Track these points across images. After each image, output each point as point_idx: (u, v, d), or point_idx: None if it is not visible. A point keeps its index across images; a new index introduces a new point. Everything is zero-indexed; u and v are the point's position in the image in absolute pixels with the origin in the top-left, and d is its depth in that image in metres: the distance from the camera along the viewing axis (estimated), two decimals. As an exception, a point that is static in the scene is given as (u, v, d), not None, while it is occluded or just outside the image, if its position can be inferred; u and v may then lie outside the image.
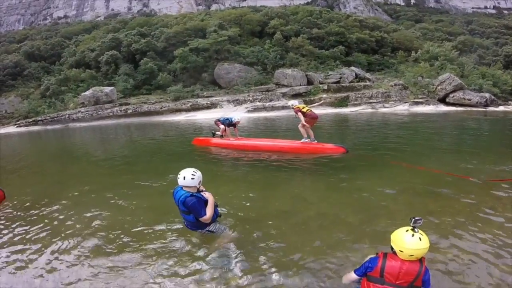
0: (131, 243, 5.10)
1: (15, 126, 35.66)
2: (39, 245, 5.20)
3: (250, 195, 7.10)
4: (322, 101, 15.68)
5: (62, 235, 5.48)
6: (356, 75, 36.76)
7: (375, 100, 32.76)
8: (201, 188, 4.83)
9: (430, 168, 8.21)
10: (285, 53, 39.60)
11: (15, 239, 5.53)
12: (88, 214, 6.29)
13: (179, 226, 5.39)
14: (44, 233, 5.60)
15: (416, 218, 3.14)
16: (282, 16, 45.53)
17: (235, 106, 32.99)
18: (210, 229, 4.85)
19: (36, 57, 47.47)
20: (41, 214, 6.53)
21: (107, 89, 36.19)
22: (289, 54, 39.05)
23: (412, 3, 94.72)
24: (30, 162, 14.35)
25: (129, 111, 34.23)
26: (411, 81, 34.05)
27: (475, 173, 7.82)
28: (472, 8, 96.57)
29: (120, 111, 34.36)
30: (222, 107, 33.04)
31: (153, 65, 38.44)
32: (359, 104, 32.55)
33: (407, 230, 3.13)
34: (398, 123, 21.33)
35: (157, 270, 4.39)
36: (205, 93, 36.06)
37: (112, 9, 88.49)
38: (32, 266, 4.68)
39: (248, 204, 6.44)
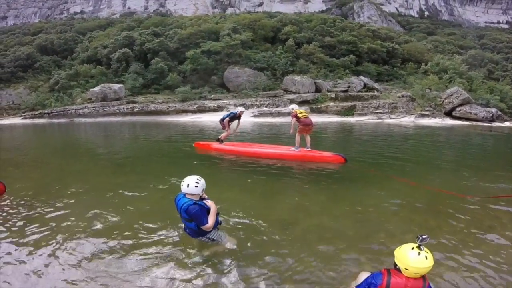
0: (127, 247, 5.16)
1: (21, 117, 36.02)
2: (35, 244, 5.25)
3: (251, 203, 7.18)
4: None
5: (59, 234, 5.52)
6: (365, 85, 36.72)
7: (381, 111, 32.54)
8: (204, 195, 4.83)
9: (430, 187, 8.21)
10: (295, 60, 39.61)
11: (12, 235, 5.56)
12: (87, 214, 6.33)
13: (178, 231, 5.48)
14: (41, 232, 5.64)
15: (423, 236, 3.14)
16: (296, 23, 45.64)
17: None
18: (210, 237, 4.86)
19: (48, 50, 48.07)
20: (39, 210, 6.57)
21: (116, 86, 36.51)
22: (299, 61, 39.05)
23: (425, 15, 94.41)
24: (32, 155, 14.37)
25: (135, 110, 34.46)
26: (419, 93, 33.78)
27: (474, 191, 7.91)
28: (485, 22, 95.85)
29: (127, 109, 34.62)
30: (229, 110, 32.88)
31: (164, 65, 38.66)
32: (365, 114, 32.37)
33: (412, 248, 3.12)
34: (403, 135, 21.27)
35: (154, 275, 4.47)
36: (212, 95, 36.17)
37: (129, 7, 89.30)
38: (25, 265, 4.73)
39: (249, 212, 6.46)
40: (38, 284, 4.33)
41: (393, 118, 31.50)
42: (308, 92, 35.27)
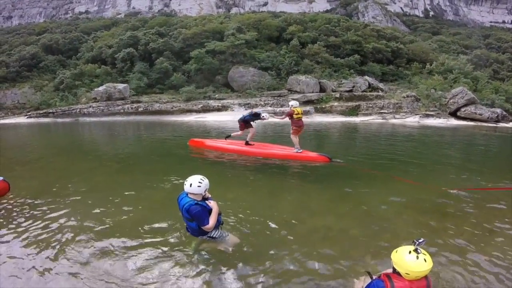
0: (130, 246, 5.20)
1: (26, 116, 36.12)
2: (38, 242, 5.30)
3: (256, 202, 7.22)
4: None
5: (62, 233, 5.58)
6: (369, 85, 36.50)
7: (386, 111, 32.43)
8: (207, 195, 4.85)
9: (430, 186, 8.26)
10: (300, 60, 39.49)
11: (15, 233, 5.61)
12: (90, 213, 6.40)
13: (181, 230, 5.48)
14: (44, 230, 5.70)
15: (420, 240, 3.18)
16: (301, 23, 45.46)
17: (246, 109, 32.96)
18: (211, 235, 4.88)
19: (53, 50, 48.13)
20: (43, 209, 6.63)
21: (121, 86, 36.53)
22: (304, 61, 38.93)
23: (430, 15, 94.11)
24: (37, 154, 14.44)
25: (140, 109, 34.48)
26: (424, 93, 33.61)
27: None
28: (490, 22, 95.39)
29: (131, 108, 34.64)
30: (233, 110, 33.02)
31: (168, 65, 38.71)
32: (370, 114, 32.28)
33: (410, 252, 3.13)
34: (407, 135, 21.24)
35: (154, 274, 4.49)
36: (217, 95, 36.16)
37: (133, 7, 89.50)
38: (28, 263, 4.76)
39: (254, 212, 6.48)
40: (40, 283, 4.35)
41: (398, 118, 31.34)
42: (312, 92, 35.12)
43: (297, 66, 38.77)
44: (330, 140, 19.27)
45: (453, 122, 30.13)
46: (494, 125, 29.09)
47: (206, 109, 33.90)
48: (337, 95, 34.93)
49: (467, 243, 5.39)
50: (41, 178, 9.46)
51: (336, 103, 33.92)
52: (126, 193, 7.63)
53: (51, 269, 4.60)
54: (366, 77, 37.71)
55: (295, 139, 11.29)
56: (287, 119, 11.48)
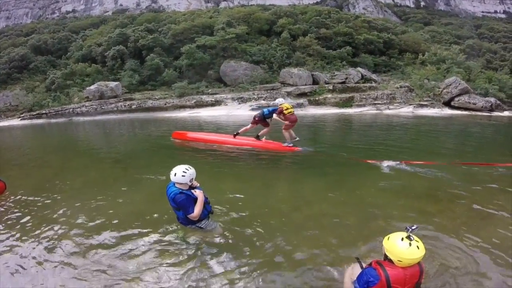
0: (123, 236, 5.29)
1: (19, 118, 35.74)
2: (34, 241, 5.29)
3: (250, 192, 7.22)
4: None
5: (57, 231, 5.59)
6: (362, 76, 36.50)
7: (380, 102, 32.49)
8: (195, 184, 4.89)
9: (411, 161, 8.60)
10: (292, 52, 39.40)
11: (12, 232, 5.63)
12: (85, 208, 6.45)
13: (172, 221, 5.47)
14: (40, 228, 5.70)
15: (413, 227, 3.13)
16: (291, 15, 45.22)
17: (239, 104, 32.90)
18: (199, 225, 4.96)
19: (42, 50, 47.55)
20: (39, 207, 6.65)
21: (112, 84, 36.17)
22: (296, 54, 38.86)
23: (422, 6, 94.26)
24: (32, 154, 14.45)
25: (133, 106, 34.21)
26: (417, 84, 33.83)
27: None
28: (482, 12, 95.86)
29: (125, 106, 34.39)
30: (227, 105, 32.97)
31: (159, 61, 38.37)
32: (364, 105, 32.33)
33: (402, 239, 3.07)
34: (401, 124, 21.36)
35: (143, 262, 4.55)
36: (210, 90, 35.92)
37: (121, 5, 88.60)
38: (24, 261, 4.76)
39: (248, 202, 6.52)
40: (34, 280, 4.34)
41: (392, 108, 31.47)
42: (305, 85, 35.03)
43: (289, 59, 38.67)
44: (324, 132, 19.19)
45: (447, 111, 30.31)
46: (488, 114, 29.37)
47: (199, 105, 33.72)
48: (330, 87, 34.87)
49: (461, 226, 5.43)
50: (37, 177, 9.56)
51: (329, 95, 33.87)
52: (120, 187, 7.76)
53: (48, 262, 4.69)
54: (359, 68, 37.72)
55: (286, 134, 11.27)
56: (278, 117, 11.31)
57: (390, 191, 7.21)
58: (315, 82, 35.73)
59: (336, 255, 4.60)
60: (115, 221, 5.78)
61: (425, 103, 31.75)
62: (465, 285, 3.96)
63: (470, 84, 32.98)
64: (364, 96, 33.25)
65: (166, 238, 5.14)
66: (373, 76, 37.35)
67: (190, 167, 4.78)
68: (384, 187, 7.41)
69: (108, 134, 20.91)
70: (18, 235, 5.46)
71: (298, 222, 5.67)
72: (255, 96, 33.75)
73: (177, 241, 5.04)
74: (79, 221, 5.88)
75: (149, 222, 5.66)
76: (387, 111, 30.63)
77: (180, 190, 4.66)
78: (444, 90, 32.14)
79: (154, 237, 5.18)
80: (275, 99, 31.68)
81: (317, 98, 33.54)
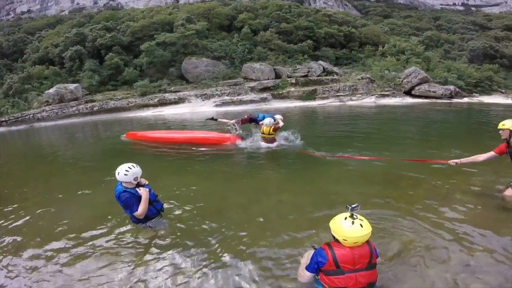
0: (81, 238, 5.31)
1: (-22, 128, 33.88)
2: None
3: (210, 188, 7.37)
4: None
5: (18, 239, 5.53)
6: (324, 69, 36.97)
7: (342, 94, 33.22)
8: (143, 182, 4.94)
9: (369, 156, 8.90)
10: (253, 47, 39.48)
11: None
12: (48, 217, 6.36)
13: (125, 221, 5.52)
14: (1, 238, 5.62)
15: (353, 205, 3.24)
16: (251, 10, 45.28)
17: (203, 100, 32.67)
18: (148, 224, 5.03)
19: (-3, 54, 45.49)
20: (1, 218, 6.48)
21: (72, 86, 34.85)
22: (257, 48, 38.99)
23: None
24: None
25: (95, 108, 33.17)
26: (378, 75, 34.94)
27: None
28: (441, 4, 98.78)
29: (86, 108, 33.21)
30: (190, 102, 32.66)
31: (119, 60, 37.36)
32: (327, 98, 32.96)
33: (345, 218, 3.14)
34: (363, 115, 22.03)
35: (97, 264, 4.53)
36: (172, 88, 35.41)
37: (78, 3, 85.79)
38: None
39: (207, 197, 6.68)
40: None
41: (355, 100, 32.26)
42: (268, 79, 35.19)
43: (251, 54, 38.74)
44: (288, 125, 19.33)
45: (409, 100, 31.48)
46: (448, 101, 30.71)
47: (162, 103, 33.27)
48: (293, 80, 35.21)
49: (422, 207, 5.65)
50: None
51: (292, 89, 34.21)
52: (84, 191, 7.73)
53: (9, 267, 4.69)
54: (320, 61, 38.20)
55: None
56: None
57: (350, 179, 7.42)
58: (277, 76, 35.94)
59: (296, 243, 4.69)
60: (78, 225, 5.76)
61: (387, 93, 32.79)
62: (435, 261, 4.13)
63: (429, 73, 34.25)
64: (326, 89, 33.84)
65: (122, 237, 5.13)
66: (335, 69, 37.91)
67: (134, 165, 4.76)
68: (343, 176, 7.67)
69: (70, 139, 20.25)
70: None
71: (258, 213, 5.73)
72: (218, 92, 33.59)
73: (129, 240, 5.03)
74: (41, 228, 5.85)
75: (110, 224, 5.64)
76: (350, 102, 31.39)
77: (124, 189, 4.66)
78: (405, 80, 33.28)
79: (111, 237, 5.18)
80: (238, 94, 32.01)
81: (280, 92, 33.83)
